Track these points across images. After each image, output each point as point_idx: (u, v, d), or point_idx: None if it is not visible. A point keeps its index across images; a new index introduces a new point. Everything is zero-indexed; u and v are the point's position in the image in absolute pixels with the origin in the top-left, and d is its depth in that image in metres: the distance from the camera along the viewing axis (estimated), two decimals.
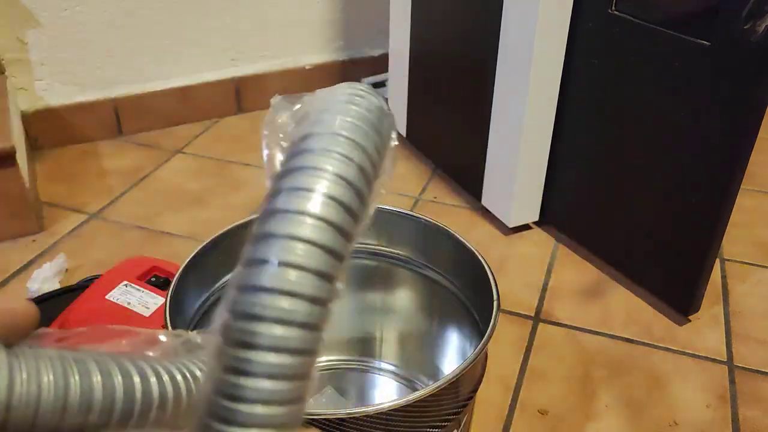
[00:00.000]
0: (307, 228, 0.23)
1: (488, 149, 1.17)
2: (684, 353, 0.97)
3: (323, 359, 0.86)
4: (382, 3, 1.63)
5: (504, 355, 0.95)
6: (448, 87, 1.27)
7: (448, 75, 1.26)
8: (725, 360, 0.96)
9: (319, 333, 0.23)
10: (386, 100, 1.51)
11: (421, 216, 0.77)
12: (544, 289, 1.08)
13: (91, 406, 0.23)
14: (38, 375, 0.22)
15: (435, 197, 1.31)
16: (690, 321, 1.02)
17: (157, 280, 0.87)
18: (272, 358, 0.22)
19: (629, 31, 0.95)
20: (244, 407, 0.22)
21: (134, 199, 1.28)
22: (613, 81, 1.01)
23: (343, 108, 0.25)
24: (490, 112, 1.14)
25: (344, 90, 0.26)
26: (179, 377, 0.26)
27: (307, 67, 1.63)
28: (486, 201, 1.23)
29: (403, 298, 0.83)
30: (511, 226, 1.19)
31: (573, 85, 1.06)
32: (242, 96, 1.59)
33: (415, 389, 0.84)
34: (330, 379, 0.85)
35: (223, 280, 0.77)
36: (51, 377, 0.22)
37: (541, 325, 1.01)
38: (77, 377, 0.23)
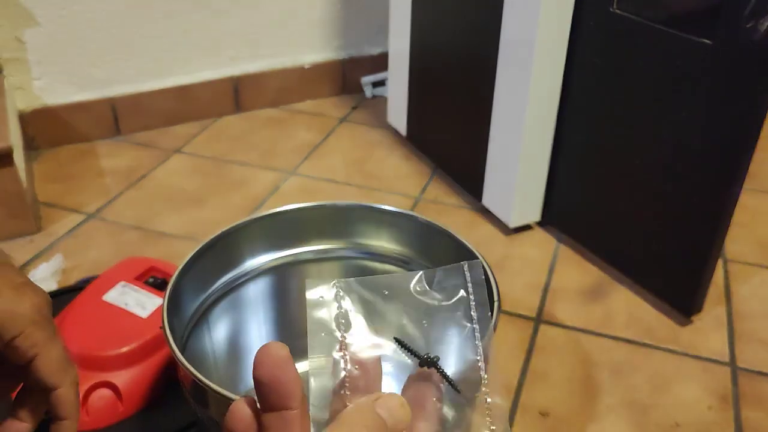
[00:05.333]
0: None
1: (489, 149, 1.17)
2: (686, 354, 0.96)
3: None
4: (381, 1, 1.63)
5: (505, 357, 0.94)
6: (449, 86, 1.26)
7: (448, 74, 1.26)
8: (728, 361, 0.95)
9: None
10: (386, 99, 1.50)
11: (421, 216, 0.77)
12: (546, 290, 1.07)
13: None
14: None
15: (435, 197, 1.30)
16: (692, 322, 1.02)
17: (155, 281, 0.87)
18: None
19: (631, 30, 0.95)
20: None
21: (132, 199, 1.27)
22: (615, 80, 1.00)
23: None
24: (491, 111, 1.14)
25: None
26: None
27: (306, 66, 1.63)
28: (487, 201, 1.22)
29: None
30: (512, 226, 1.18)
31: (574, 84, 1.05)
32: (241, 95, 1.59)
33: None
34: None
35: (221, 280, 0.76)
36: None
37: (542, 326, 1.00)
38: None
